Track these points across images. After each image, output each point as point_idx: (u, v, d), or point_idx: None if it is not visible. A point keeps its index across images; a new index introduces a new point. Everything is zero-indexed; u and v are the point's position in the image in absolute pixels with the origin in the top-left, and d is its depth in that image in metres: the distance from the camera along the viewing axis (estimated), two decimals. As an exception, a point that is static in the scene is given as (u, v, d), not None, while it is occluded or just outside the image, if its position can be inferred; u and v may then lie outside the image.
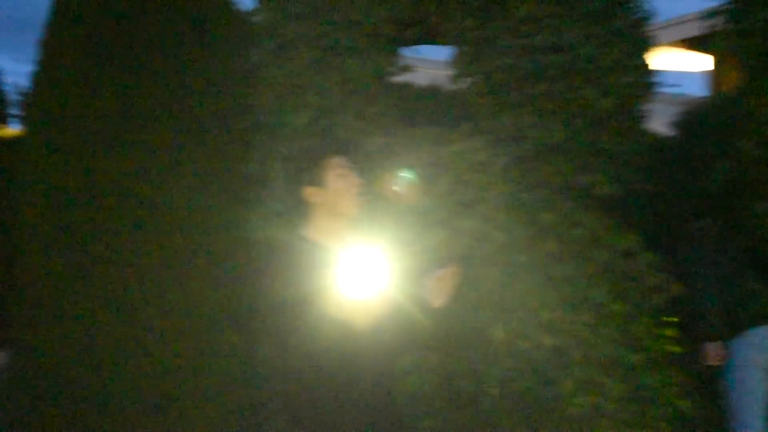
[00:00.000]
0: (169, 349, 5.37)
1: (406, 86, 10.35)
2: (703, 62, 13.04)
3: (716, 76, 11.76)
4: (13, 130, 11.98)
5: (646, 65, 4.94)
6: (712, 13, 5.00)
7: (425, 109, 9.35)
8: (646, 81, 4.95)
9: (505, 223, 4.98)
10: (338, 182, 2.81)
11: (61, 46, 5.55)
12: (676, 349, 5.03)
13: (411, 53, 6.28)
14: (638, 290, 4.87)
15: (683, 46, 12.99)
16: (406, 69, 5.87)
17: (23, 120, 5.81)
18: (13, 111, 9.20)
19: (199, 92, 5.63)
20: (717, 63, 11.85)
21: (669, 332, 5.02)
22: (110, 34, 5.51)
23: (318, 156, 2.84)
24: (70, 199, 5.45)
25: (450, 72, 5.35)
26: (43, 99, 5.59)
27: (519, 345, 4.96)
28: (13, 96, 9.54)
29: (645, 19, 5.07)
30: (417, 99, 9.87)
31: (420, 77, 12.62)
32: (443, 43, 5.36)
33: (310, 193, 2.81)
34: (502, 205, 4.99)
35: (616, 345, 4.83)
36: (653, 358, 4.82)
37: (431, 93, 10.52)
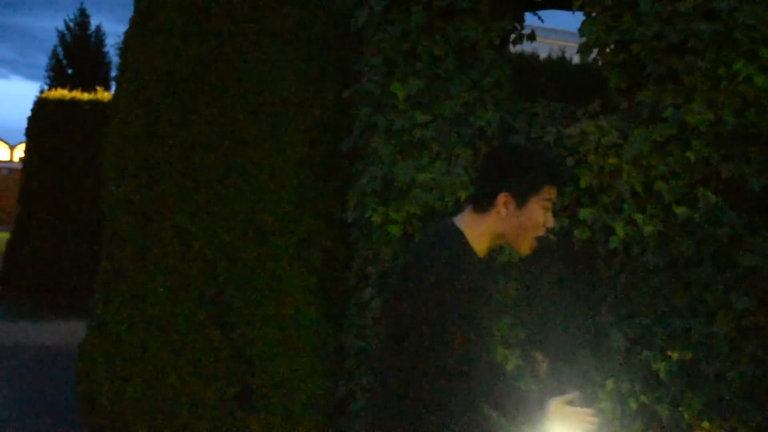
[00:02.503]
0: (252, 333, 5.03)
1: (529, 56, 9.68)
2: None
3: None
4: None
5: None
6: None
7: (549, 83, 8.69)
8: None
9: (632, 216, 4.37)
10: (537, 214, 2.32)
11: (155, 3, 5.23)
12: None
13: (535, 19, 5.69)
14: (789, 302, 4.17)
15: None
16: (530, 37, 5.28)
17: (115, 81, 5.57)
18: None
19: (298, 56, 5.21)
20: None
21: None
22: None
23: (542, 174, 2.32)
24: (157, 170, 5.16)
25: (579, 42, 4.73)
26: (133, 59, 5.29)
27: (640, 355, 4.36)
28: (114, 58, 9.52)
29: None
30: (540, 71, 9.20)
31: (542, 49, 11.85)
32: (574, 8, 4.73)
33: (505, 201, 2.31)
34: (630, 195, 4.37)
35: (759, 363, 4.16)
36: (803, 383, 4.12)
37: (557, 65, 9.83)
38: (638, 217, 4.32)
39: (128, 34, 5.53)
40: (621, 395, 4.40)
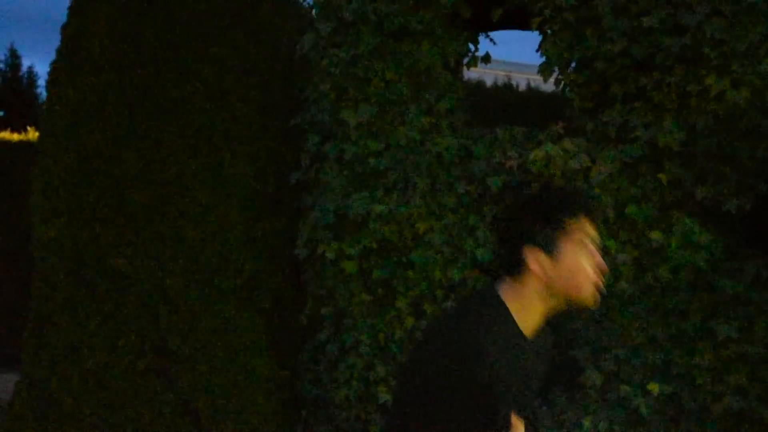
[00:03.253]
0: (198, 383, 4.63)
1: (475, 84, 9.49)
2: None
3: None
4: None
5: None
6: None
7: (497, 110, 8.50)
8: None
9: (604, 243, 4.11)
10: (578, 255, 1.92)
11: (84, 31, 4.85)
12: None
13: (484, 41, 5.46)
14: (772, 329, 3.94)
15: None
16: (485, 59, 5.05)
17: (41, 117, 5.14)
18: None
19: (240, 86, 4.87)
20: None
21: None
22: (138, 16, 4.79)
23: (561, 211, 1.94)
24: (88, 209, 4.75)
25: (524, 71, 4.50)
26: (61, 92, 4.88)
27: (618, 391, 4.09)
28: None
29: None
30: (488, 98, 9.02)
31: (488, 78, 11.73)
32: (532, 27, 4.51)
33: (536, 258, 1.91)
34: (601, 221, 4.12)
35: (745, 395, 3.92)
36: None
37: (504, 92, 9.66)
38: (611, 244, 4.07)
39: (55, 66, 5.13)
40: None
